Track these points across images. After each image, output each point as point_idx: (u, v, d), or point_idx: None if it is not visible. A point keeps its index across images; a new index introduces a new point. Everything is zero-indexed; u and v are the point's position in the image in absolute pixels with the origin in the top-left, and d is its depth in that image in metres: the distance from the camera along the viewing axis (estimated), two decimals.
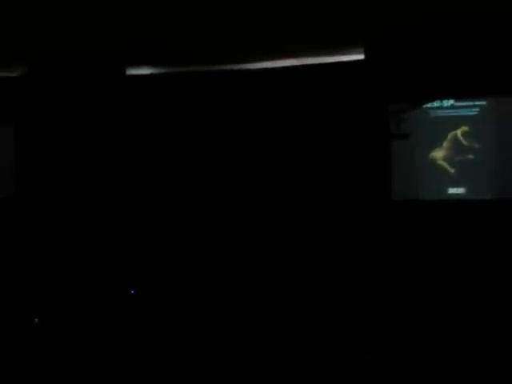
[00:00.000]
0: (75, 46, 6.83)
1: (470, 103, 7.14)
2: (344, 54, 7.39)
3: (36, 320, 4.54)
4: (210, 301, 5.61)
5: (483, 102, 7.08)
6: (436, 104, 7.19)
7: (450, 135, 7.14)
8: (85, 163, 7.52)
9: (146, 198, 7.64)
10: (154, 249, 7.09)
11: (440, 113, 7.22)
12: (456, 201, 7.02)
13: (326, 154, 7.46)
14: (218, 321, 4.92)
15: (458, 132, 7.13)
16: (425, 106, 7.16)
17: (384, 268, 6.02)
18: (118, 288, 6.06)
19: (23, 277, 6.25)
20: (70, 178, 7.49)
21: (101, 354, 3.93)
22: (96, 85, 7.58)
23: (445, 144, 7.15)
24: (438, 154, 7.18)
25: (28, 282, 6.12)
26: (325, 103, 7.58)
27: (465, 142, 7.10)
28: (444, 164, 7.17)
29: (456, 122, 7.14)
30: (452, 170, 7.15)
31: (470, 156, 7.07)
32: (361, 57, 7.16)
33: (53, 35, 6.40)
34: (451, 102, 7.15)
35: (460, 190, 7.11)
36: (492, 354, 3.57)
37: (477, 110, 7.11)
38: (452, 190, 7.13)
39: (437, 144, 7.18)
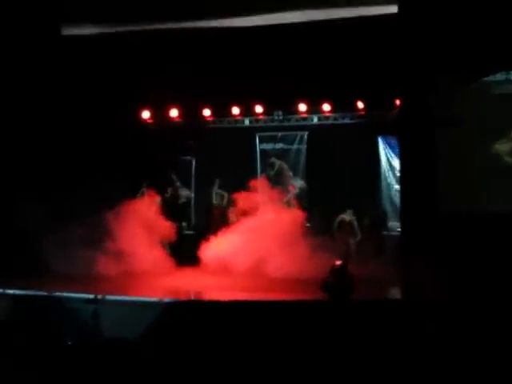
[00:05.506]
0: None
1: None
2: (373, 4, 5.52)
3: None
4: None
5: None
6: (500, 76, 5.32)
7: None
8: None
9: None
10: None
11: (507, 89, 5.30)
12: None
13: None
14: None
15: None
16: (484, 79, 5.30)
17: None
18: None
19: None
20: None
21: None
22: (29, 46, 6.50)
23: None
24: (505, 147, 5.24)
25: None
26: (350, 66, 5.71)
27: None
28: None
29: None
30: None
31: None
32: (394, 9, 5.39)
33: None
34: None
35: None
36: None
37: None
38: None
39: (502, 133, 5.25)
